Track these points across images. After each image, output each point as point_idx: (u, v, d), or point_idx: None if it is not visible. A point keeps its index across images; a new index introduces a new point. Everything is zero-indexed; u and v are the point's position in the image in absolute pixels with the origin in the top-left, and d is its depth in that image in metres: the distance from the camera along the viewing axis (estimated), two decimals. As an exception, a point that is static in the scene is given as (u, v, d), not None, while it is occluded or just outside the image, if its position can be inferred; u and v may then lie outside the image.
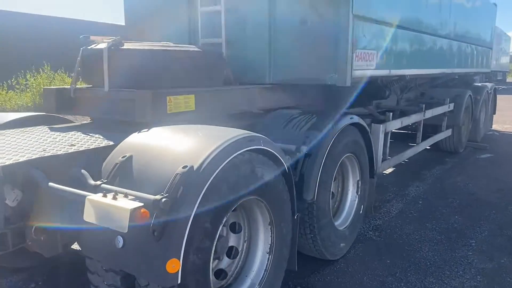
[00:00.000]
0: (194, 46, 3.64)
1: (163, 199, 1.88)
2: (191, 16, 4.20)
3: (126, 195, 1.85)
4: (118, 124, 3.10)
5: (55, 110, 3.41)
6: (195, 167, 2.07)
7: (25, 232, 2.24)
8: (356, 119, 3.67)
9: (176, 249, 1.93)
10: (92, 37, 3.28)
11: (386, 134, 4.79)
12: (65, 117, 3.62)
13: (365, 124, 3.82)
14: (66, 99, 3.35)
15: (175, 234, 1.94)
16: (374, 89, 4.63)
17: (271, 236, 2.75)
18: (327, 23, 3.49)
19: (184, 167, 2.05)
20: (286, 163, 2.76)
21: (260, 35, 3.81)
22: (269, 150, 2.58)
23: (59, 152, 2.32)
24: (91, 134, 2.87)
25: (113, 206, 1.74)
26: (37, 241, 2.22)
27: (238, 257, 2.76)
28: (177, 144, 2.30)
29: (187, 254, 1.99)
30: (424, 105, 5.99)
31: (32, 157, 2.21)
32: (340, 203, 3.96)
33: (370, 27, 3.74)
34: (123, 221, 1.69)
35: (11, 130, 3.01)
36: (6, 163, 2.12)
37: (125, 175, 2.20)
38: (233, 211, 2.67)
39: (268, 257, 2.76)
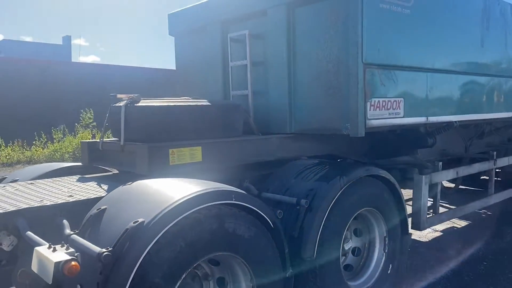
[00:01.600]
0: (210, 100, 3.79)
1: (105, 253, 1.98)
2: (225, 70, 4.41)
3: (67, 248, 1.98)
4: (134, 176, 3.32)
5: (88, 162, 3.78)
6: (145, 223, 2.14)
7: (11, 275, 2.48)
8: (373, 170, 3.45)
9: (114, 304, 1.99)
10: (118, 95, 3.61)
11: (433, 186, 4.39)
12: (103, 167, 3.96)
13: (388, 176, 3.56)
14: (98, 152, 3.70)
15: (114, 288, 2.01)
16: (414, 137, 4.32)
17: (247, 293, 2.67)
18: (339, 73, 3.42)
19: (135, 222, 2.13)
20: (270, 218, 2.70)
21: (281, 87, 3.85)
22: (246, 205, 2.56)
23: (48, 203, 2.56)
24: (100, 185, 3.12)
25: (45, 257, 1.88)
26: (22, 285, 2.44)
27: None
28: (143, 198, 2.41)
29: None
30: (495, 152, 5.36)
31: (21, 207, 2.48)
32: (366, 261, 3.68)
33: (390, 74, 3.56)
34: (49, 272, 1.81)
35: (42, 180, 3.41)
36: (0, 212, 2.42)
37: (95, 227, 2.35)
38: (216, 265, 2.68)
39: (250, 316, 2.66)
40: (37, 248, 2.00)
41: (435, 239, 5.55)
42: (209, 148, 3.33)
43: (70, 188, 3.03)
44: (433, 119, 4.02)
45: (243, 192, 2.62)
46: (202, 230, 2.34)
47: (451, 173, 4.62)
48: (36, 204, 2.53)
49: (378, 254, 3.67)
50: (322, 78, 3.54)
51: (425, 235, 5.60)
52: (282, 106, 3.86)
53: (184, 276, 2.29)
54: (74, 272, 1.86)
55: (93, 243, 2.11)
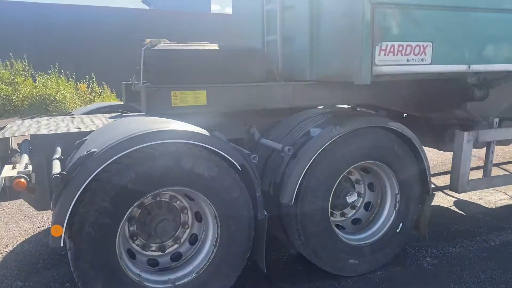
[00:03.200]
0: (230, 45, 3.82)
1: (54, 175, 2.30)
2: (262, 15, 4.35)
3: (26, 167, 2.35)
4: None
5: (125, 101, 4.19)
6: (96, 152, 2.40)
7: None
8: (376, 121, 3.19)
9: (61, 217, 2.32)
10: (146, 40, 3.87)
11: (480, 144, 3.86)
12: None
13: (401, 128, 3.25)
14: (132, 92, 4.07)
15: (61, 205, 2.33)
16: (457, 88, 3.79)
17: (217, 230, 2.80)
18: (349, 14, 3.14)
19: (87, 151, 2.41)
20: (237, 161, 2.75)
21: (303, 32, 3.68)
22: (205, 146, 2.65)
23: (50, 132, 2.98)
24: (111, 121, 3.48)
25: (4, 172, 2.27)
26: (28, 197, 2.95)
27: (195, 245, 2.93)
28: (111, 132, 2.66)
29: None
30: None
31: (29, 133, 2.94)
32: (376, 216, 3.50)
33: (413, 14, 3.14)
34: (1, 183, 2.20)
35: (80, 116, 3.92)
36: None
37: (73, 155, 2.70)
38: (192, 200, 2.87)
39: (213, 250, 2.82)
40: (6, 165, 2.42)
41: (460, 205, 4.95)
42: (214, 92, 3.41)
43: (87, 123, 3.44)
44: (478, 67, 3.47)
45: (205, 133, 2.70)
46: (155, 164, 2.51)
47: (505, 133, 3.97)
48: (43, 132, 2.96)
49: (388, 211, 3.46)
50: (336, 21, 3.29)
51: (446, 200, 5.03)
52: (304, 52, 3.69)
53: (136, 204, 2.54)
54: (20, 186, 2.21)
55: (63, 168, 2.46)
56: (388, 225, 3.42)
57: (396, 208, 3.41)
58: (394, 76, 3.26)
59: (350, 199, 3.37)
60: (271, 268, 3.28)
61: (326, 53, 3.46)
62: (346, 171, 3.19)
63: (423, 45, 3.23)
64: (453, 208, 4.85)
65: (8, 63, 13.34)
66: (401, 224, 3.43)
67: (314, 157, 2.99)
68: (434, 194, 3.54)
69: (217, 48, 3.65)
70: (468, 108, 3.93)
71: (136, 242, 2.85)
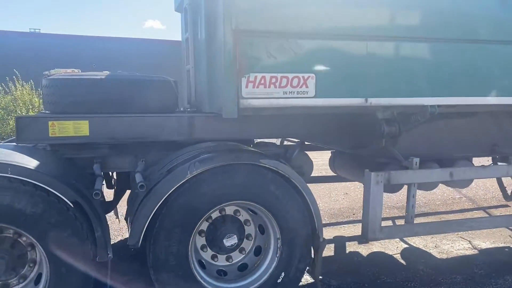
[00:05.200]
0: (133, 75, 3.71)
1: None
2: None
3: None
4: None
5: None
6: None
7: None
8: (248, 158, 2.91)
9: None
10: (51, 71, 3.86)
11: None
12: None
13: (276, 167, 2.95)
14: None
15: None
16: (366, 124, 3.43)
17: (47, 271, 2.62)
18: (216, 44, 2.96)
19: None
20: (69, 198, 2.58)
21: (203, 63, 3.53)
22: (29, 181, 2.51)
23: None
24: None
25: None
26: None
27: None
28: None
29: None
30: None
31: None
32: (260, 262, 3.17)
33: (288, 43, 2.88)
34: None
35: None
36: None
37: None
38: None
39: (43, 292, 2.63)
40: None
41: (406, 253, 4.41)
42: (98, 122, 3.29)
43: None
44: (378, 101, 3.12)
45: (29, 167, 2.56)
46: (-33, 198, 2.40)
47: (435, 174, 3.51)
48: None
49: (271, 257, 3.12)
50: (209, 51, 3.12)
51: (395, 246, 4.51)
52: (204, 83, 3.54)
53: None
54: None
55: None
56: (268, 274, 3.07)
57: (278, 255, 3.07)
58: (269, 110, 2.99)
59: (228, 242, 3.08)
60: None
61: (213, 84, 3.27)
62: (210, 212, 2.92)
63: (303, 77, 2.95)
64: (397, 255, 4.34)
65: None
66: (283, 274, 3.07)
67: (166, 196, 2.76)
68: (325, 240, 3.16)
69: (117, 77, 3.56)
70: (385, 145, 3.54)
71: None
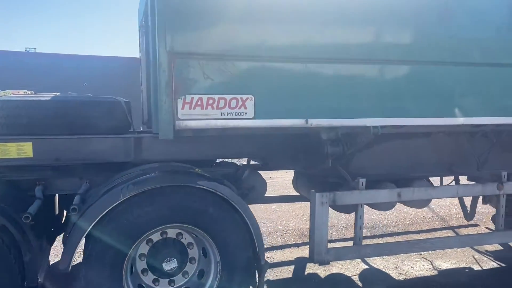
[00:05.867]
0: (81, 96, 3.71)
1: None
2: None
3: None
4: None
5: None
6: None
7: None
8: (185, 179, 2.89)
9: None
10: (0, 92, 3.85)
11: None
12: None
13: (214, 188, 2.92)
14: None
15: None
16: (310, 144, 3.43)
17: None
18: (151, 65, 2.97)
19: None
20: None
21: (149, 83, 3.53)
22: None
23: None
24: None
25: None
26: None
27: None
28: None
29: None
30: (506, 173, 3.86)
31: None
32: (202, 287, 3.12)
33: (225, 65, 2.89)
34: None
35: None
36: None
37: None
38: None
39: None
40: None
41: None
42: (42, 144, 3.26)
43: None
44: (319, 122, 3.12)
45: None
46: None
47: (381, 195, 3.49)
48: None
49: (211, 281, 3.07)
50: (150, 72, 3.13)
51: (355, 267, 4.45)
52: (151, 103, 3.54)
53: None
54: None
55: None
56: (208, 299, 3.02)
57: (217, 279, 3.02)
58: (209, 131, 2.98)
59: (168, 266, 3.03)
60: None
61: (154, 105, 3.27)
62: (145, 236, 2.88)
63: (241, 98, 2.95)
64: (355, 277, 4.30)
65: None
66: (223, 299, 3.02)
67: (98, 219, 2.72)
68: (268, 263, 3.12)
69: (63, 99, 3.54)
70: (332, 166, 3.53)
71: None
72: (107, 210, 2.73)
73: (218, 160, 3.93)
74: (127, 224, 2.78)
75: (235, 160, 4.20)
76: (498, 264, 4.61)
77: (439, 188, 3.75)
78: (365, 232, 5.85)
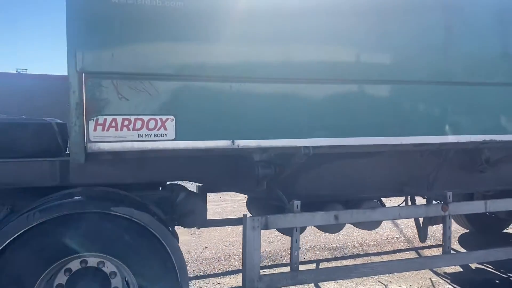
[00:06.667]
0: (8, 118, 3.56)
1: None
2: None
3: None
4: None
5: None
6: None
7: None
8: (98, 206, 2.73)
9: None
10: None
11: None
12: None
13: (125, 213, 2.76)
14: None
15: None
16: (241, 166, 3.30)
17: None
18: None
19: None
20: None
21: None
22: None
23: None
24: None
25: None
26: None
27: None
28: None
29: None
30: (450, 193, 3.75)
31: None
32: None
33: (143, 85, 2.77)
34: None
35: None
36: None
37: None
38: None
39: None
40: None
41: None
42: None
43: None
44: (246, 142, 2.99)
45: None
46: None
47: (317, 218, 3.35)
48: None
49: (131, 314, 2.89)
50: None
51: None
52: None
53: None
54: None
55: None
56: (125, 331, 2.83)
57: (137, 312, 2.84)
58: (129, 153, 2.84)
59: (84, 297, 2.84)
60: None
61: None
62: (56, 264, 2.70)
63: (161, 119, 2.82)
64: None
65: None
66: (143, 331, 2.83)
67: (1, 247, 2.55)
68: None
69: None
70: (268, 188, 3.39)
71: None
72: (8, 241, 2.55)
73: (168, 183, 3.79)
74: (32, 255, 2.61)
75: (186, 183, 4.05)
76: (454, 287, 4.46)
77: (379, 210, 3.62)
78: (326, 254, 5.73)
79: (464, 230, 6.57)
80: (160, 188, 3.54)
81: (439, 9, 3.45)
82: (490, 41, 3.47)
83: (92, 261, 2.93)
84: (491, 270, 4.98)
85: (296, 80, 3.09)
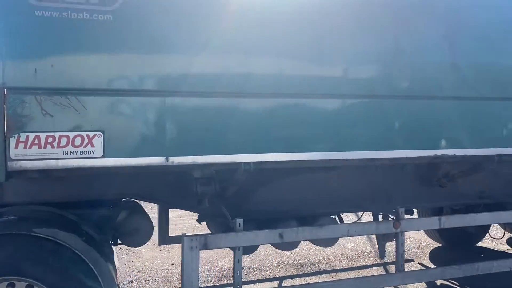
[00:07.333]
0: None
1: None
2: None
3: None
4: None
5: None
6: None
7: None
8: (15, 226, 2.61)
9: None
10: None
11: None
12: None
13: (47, 234, 2.64)
14: None
15: None
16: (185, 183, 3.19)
17: None
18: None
19: None
20: None
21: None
22: None
23: None
24: None
25: None
26: None
27: None
28: None
29: None
30: (403, 209, 3.65)
31: None
32: None
33: (68, 100, 2.66)
34: None
35: None
36: None
37: None
38: None
39: None
40: None
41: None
42: None
43: None
44: (180, 159, 2.89)
45: None
46: None
47: (261, 236, 3.23)
48: None
49: None
50: None
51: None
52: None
53: None
54: None
55: None
56: None
57: None
58: (51, 172, 2.72)
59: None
60: None
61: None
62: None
63: (87, 135, 2.71)
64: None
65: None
66: None
67: None
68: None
69: None
70: (211, 205, 3.28)
71: None
72: None
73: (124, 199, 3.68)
74: None
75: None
76: (414, 305, 4.34)
77: (327, 227, 3.50)
78: (292, 271, 5.60)
79: (436, 245, 6.48)
80: (101, 206, 3.40)
81: (389, 21, 3.39)
82: (437, 54, 3.40)
83: (20, 285, 2.79)
84: (455, 286, 4.87)
85: (235, 94, 3.00)
